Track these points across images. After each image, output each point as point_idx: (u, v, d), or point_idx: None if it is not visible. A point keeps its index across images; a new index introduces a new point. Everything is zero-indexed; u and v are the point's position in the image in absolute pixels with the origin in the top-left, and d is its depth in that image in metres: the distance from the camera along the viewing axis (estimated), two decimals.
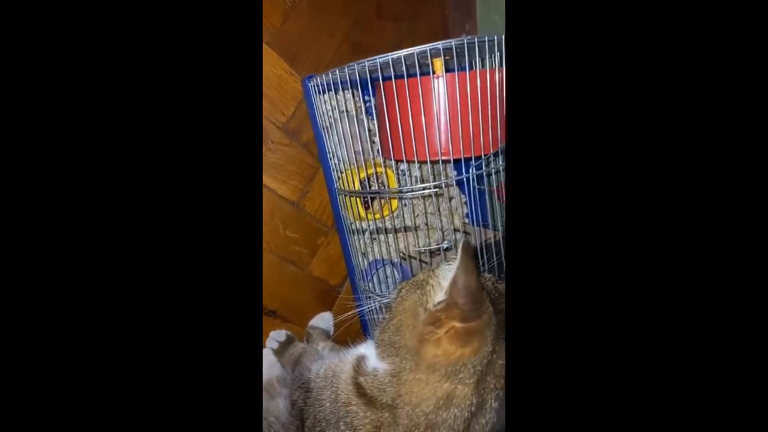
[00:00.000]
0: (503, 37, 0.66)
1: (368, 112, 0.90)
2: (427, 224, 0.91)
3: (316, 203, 0.92)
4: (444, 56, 0.70)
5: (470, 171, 0.72)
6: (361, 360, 0.59)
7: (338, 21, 0.91)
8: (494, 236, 0.85)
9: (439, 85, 0.67)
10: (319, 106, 0.81)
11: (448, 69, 0.72)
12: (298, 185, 0.89)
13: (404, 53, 0.63)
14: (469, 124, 0.67)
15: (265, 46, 0.80)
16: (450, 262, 0.54)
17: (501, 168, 0.76)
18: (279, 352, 0.81)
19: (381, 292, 0.83)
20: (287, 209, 0.88)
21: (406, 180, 0.90)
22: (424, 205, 0.94)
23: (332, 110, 0.81)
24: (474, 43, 0.64)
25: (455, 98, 0.65)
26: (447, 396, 0.50)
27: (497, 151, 0.73)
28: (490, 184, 0.85)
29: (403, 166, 0.92)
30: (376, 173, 0.85)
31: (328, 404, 0.57)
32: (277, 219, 0.87)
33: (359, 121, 0.85)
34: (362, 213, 0.85)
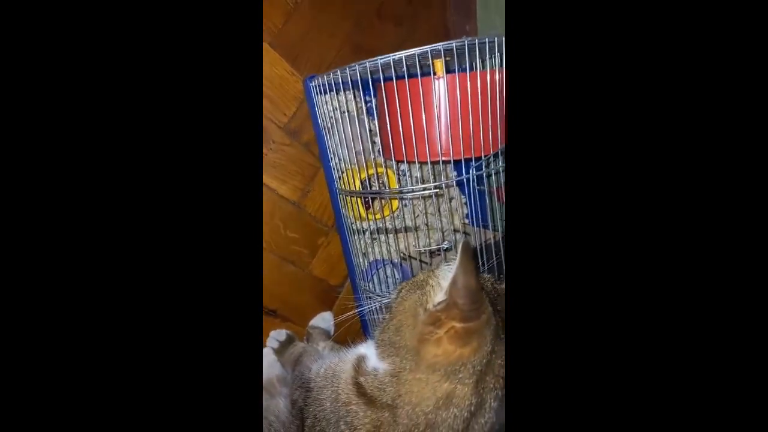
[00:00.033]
0: (503, 38, 0.66)
1: (369, 113, 0.90)
2: (427, 225, 0.91)
3: (317, 203, 0.92)
4: (444, 57, 0.70)
5: (470, 172, 0.72)
6: (361, 360, 0.59)
7: (339, 22, 0.91)
8: (494, 237, 0.85)
9: (440, 85, 0.67)
10: (321, 107, 0.81)
11: (449, 70, 0.72)
12: (299, 185, 0.89)
13: (405, 54, 0.63)
14: (469, 124, 0.67)
15: (266, 47, 0.80)
16: (450, 263, 0.54)
17: (501, 169, 0.77)
18: (279, 352, 0.81)
19: (381, 292, 0.83)
20: (288, 209, 0.88)
21: (406, 180, 0.90)
22: (425, 206, 0.94)
23: (333, 110, 0.81)
24: (474, 44, 0.64)
25: (455, 99, 0.66)
26: (447, 396, 0.51)
27: (497, 152, 0.73)
28: (490, 185, 0.85)
29: (404, 167, 0.92)
30: (377, 173, 0.85)
31: (328, 404, 0.57)
32: (278, 219, 0.87)
33: (360, 122, 0.85)
34: (363, 213, 0.85)
